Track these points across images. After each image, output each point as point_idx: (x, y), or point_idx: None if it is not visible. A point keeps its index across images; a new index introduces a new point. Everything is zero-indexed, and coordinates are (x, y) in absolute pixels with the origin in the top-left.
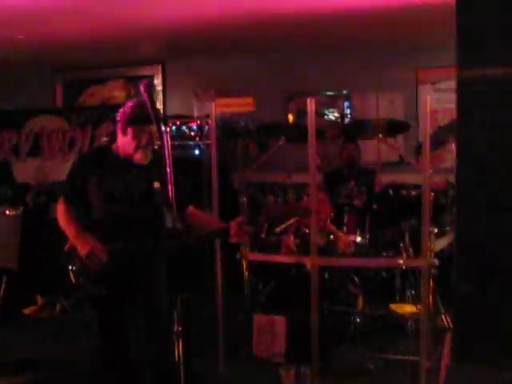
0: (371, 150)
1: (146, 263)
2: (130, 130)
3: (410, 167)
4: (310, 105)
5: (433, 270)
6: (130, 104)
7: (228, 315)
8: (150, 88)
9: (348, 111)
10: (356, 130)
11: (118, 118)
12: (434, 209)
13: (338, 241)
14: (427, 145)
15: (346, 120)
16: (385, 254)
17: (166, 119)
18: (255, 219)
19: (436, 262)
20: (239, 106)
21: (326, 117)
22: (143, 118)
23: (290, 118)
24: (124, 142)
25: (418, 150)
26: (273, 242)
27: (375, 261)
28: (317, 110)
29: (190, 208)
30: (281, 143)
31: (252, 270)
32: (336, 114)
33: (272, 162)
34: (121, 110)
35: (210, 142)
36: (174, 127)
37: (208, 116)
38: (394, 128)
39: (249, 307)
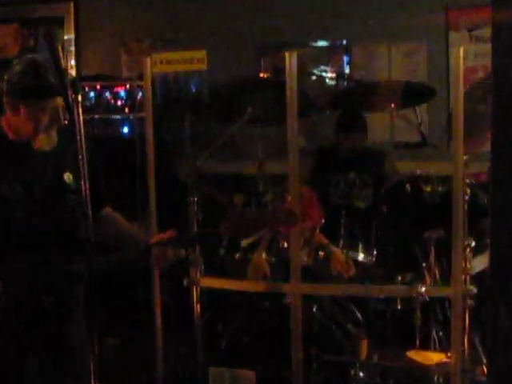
0: (380, 127)
1: (53, 292)
2: (22, 107)
3: (435, 151)
4: (290, 60)
5: (469, 301)
6: (18, 67)
7: (172, 368)
8: (55, 38)
9: (347, 70)
10: (358, 97)
11: (5, 88)
12: (470, 212)
13: (332, 259)
14: (460, 118)
15: (344, 83)
16: (399, 279)
17: (78, 84)
18: (211, 228)
19: (473, 289)
20: (187, 62)
21: (314, 78)
22: (41, 89)
23: (264, 75)
24: (16, 122)
25: (449, 124)
26: (237, 262)
27: (386, 288)
28: (302, 69)
29: (107, 209)
30: (249, 116)
31: (207, 303)
32: (330, 75)
33: (236, 145)
34: (7, 75)
35: (144, 114)
36: (92, 94)
37: (141, 77)
38: (414, 94)
39: (202, 357)
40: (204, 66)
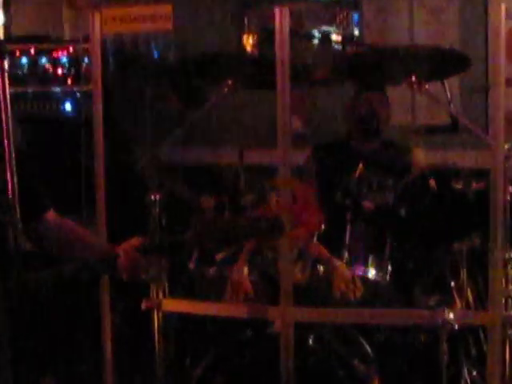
0: (400, 107)
1: None
2: None
3: (470, 138)
4: (281, 18)
5: (510, 331)
6: None
7: None
8: None
9: (357, 31)
10: (371, 66)
11: None
12: None
13: (334, 276)
14: (501, 95)
15: (353, 48)
16: (421, 302)
17: (3, 47)
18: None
19: None
20: (148, 20)
21: (315, 41)
22: None
23: (247, 43)
24: None
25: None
26: (210, 280)
27: (403, 314)
28: (296, 29)
29: (50, 215)
30: (227, 91)
31: (172, 332)
32: (335, 37)
33: (210, 129)
34: None
35: (91, 87)
36: (24, 60)
37: (87, 39)
38: (442, 64)
39: None
40: (169, 25)
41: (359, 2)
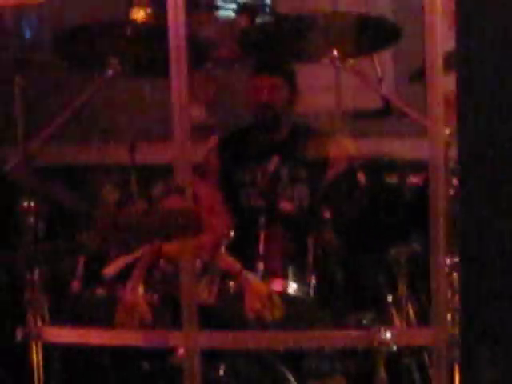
0: (322, 86)
1: None
2: None
3: (405, 123)
4: None
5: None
6: None
7: None
8: None
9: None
10: (281, 40)
11: None
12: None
13: (247, 293)
14: (438, 71)
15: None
16: (353, 320)
17: None
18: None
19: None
20: None
21: (220, 13)
22: None
23: (137, 16)
24: None
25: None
26: (99, 302)
27: (331, 335)
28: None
29: None
30: (112, 72)
31: (54, 367)
32: (237, 7)
33: (94, 119)
34: None
35: None
36: None
37: None
38: (369, 35)
39: None
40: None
41: None
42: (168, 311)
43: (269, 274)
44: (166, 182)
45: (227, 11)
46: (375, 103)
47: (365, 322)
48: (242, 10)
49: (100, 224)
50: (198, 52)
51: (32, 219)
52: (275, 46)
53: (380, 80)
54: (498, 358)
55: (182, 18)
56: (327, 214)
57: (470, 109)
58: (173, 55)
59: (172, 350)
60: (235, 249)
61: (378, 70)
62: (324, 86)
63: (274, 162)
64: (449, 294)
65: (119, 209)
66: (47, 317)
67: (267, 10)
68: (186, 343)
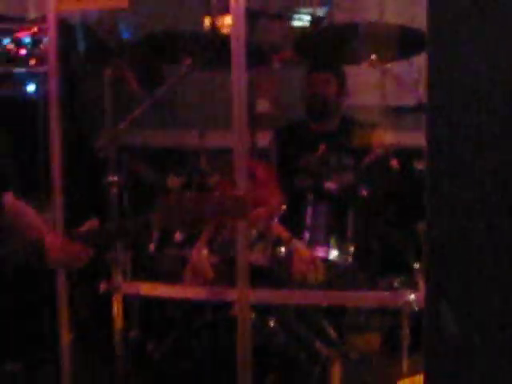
0: (367, 85)
1: None
2: None
3: None
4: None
5: None
6: None
7: None
8: None
9: (323, 12)
10: (328, 45)
11: None
12: None
13: (294, 257)
14: None
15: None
16: (384, 284)
17: None
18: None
19: None
20: None
21: (285, 21)
22: None
23: (209, 24)
24: None
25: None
26: (170, 262)
27: (365, 295)
28: (263, 9)
29: (8, 196)
30: (186, 71)
31: (131, 315)
32: (304, 17)
33: (170, 110)
34: None
35: (48, 67)
36: None
37: (44, 18)
38: (405, 43)
39: None
40: (125, 5)
41: None
42: (228, 272)
43: (314, 243)
44: (221, 172)
45: (293, 20)
46: (413, 101)
47: (396, 284)
48: (303, 19)
49: (165, 206)
50: (265, 54)
51: (115, 192)
52: (327, 50)
53: (417, 81)
54: (459, 314)
55: (242, 25)
56: (365, 193)
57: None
58: (233, 54)
59: (231, 304)
60: (287, 220)
61: (415, 73)
62: (371, 84)
63: (322, 150)
64: None
65: (181, 194)
66: (128, 273)
67: (324, 20)
68: (238, 299)
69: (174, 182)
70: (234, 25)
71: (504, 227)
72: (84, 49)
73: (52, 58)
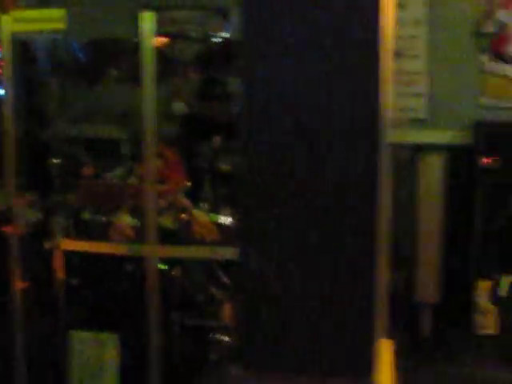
0: None
1: None
2: None
3: None
4: (146, 22)
5: None
6: None
7: (33, 335)
8: None
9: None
10: (222, 59)
11: None
12: None
13: (194, 222)
14: None
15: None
16: None
17: None
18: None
19: None
20: (46, 21)
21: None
22: None
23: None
24: None
25: None
26: (100, 225)
27: None
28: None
29: None
30: (111, 78)
31: (71, 268)
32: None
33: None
34: None
35: (4, 80)
36: None
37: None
38: None
39: (64, 322)
40: (63, 26)
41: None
42: (142, 231)
43: (210, 211)
44: (125, 165)
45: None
46: None
47: None
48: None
49: (81, 189)
50: (182, 67)
51: (55, 172)
52: (217, 63)
53: None
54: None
55: (150, 43)
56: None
57: None
58: (144, 66)
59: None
60: (190, 193)
61: None
62: None
63: (216, 140)
64: None
65: (91, 182)
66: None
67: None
68: (149, 252)
69: (88, 170)
70: (144, 44)
71: None
72: (36, 61)
73: (7, 74)
